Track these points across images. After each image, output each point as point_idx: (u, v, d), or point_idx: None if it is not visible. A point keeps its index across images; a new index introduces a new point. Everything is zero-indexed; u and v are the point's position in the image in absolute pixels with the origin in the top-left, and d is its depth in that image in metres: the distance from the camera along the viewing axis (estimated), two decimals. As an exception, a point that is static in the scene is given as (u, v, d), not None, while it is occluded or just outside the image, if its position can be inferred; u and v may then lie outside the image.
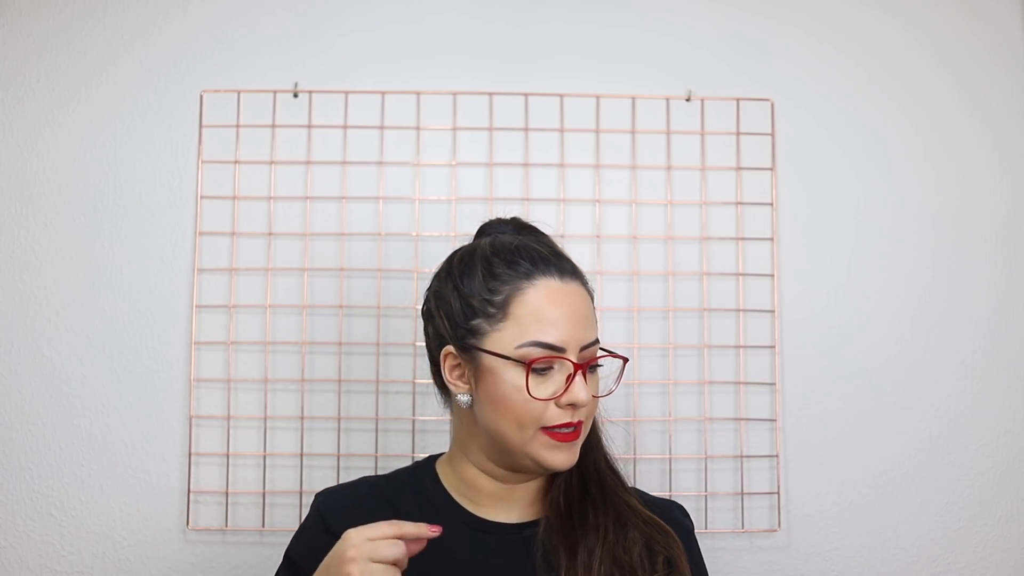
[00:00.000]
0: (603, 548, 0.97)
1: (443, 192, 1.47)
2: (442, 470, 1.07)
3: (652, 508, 1.04)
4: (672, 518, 1.05)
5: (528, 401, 0.95)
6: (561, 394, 0.95)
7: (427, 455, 1.12)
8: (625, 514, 1.01)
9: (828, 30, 1.53)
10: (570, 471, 1.02)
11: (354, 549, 0.86)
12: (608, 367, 1.03)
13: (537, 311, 0.96)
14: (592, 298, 1.02)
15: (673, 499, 1.17)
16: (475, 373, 0.99)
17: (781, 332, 1.47)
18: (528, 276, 0.98)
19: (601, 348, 1.00)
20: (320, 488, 1.40)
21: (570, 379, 0.95)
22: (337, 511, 1.05)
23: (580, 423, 0.97)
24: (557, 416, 0.96)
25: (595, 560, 0.97)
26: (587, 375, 0.97)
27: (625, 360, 1.01)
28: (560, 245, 1.07)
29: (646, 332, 1.45)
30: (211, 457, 1.42)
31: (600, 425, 1.07)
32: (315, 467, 1.42)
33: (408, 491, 1.06)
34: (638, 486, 1.13)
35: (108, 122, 1.47)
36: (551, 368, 0.96)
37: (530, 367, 0.95)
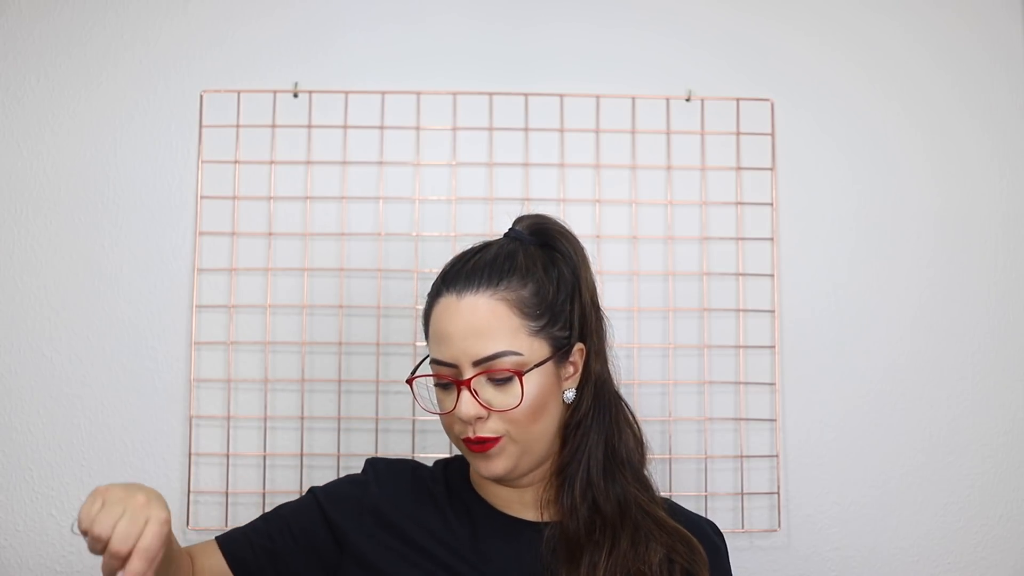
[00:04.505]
0: (610, 561, 0.97)
1: (443, 192, 1.47)
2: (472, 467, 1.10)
3: (681, 522, 1.03)
4: (702, 533, 1.04)
5: (441, 415, 1.01)
6: (452, 409, 0.98)
7: (440, 454, 1.14)
8: (645, 525, 1.00)
9: (828, 30, 1.53)
10: (572, 479, 1.02)
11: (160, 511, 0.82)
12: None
13: (435, 329, 1.01)
14: (539, 302, 0.99)
15: (671, 498, 1.16)
16: None
17: (781, 332, 1.47)
18: (436, 295, 1.02)
19: (512, 353, 0.97)
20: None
21: (458, 393, 0.98)
22: (383, 482, 1.09)
23: (483, 439, 0.98)
24: (460, 429, 0.99)
25: (599, 573, 0.96)
26: (494, 387, 0.97)
27: (519, 375, 0.97)
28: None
29: (646, 332, 1.45)
30: (211, 457, 1.42)
31: (629, 428, 1.06)
32: (315, 467, 1.42)
33: (442, 482, 1.09)
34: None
35: (108, 122, 1.47)
36: (451, 382, 0.99)
37: (411, 382, 1.03)
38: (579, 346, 1.04)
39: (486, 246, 1.05)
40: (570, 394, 1.03)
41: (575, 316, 1.04)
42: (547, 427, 1.01)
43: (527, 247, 1.04)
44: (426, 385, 1.05)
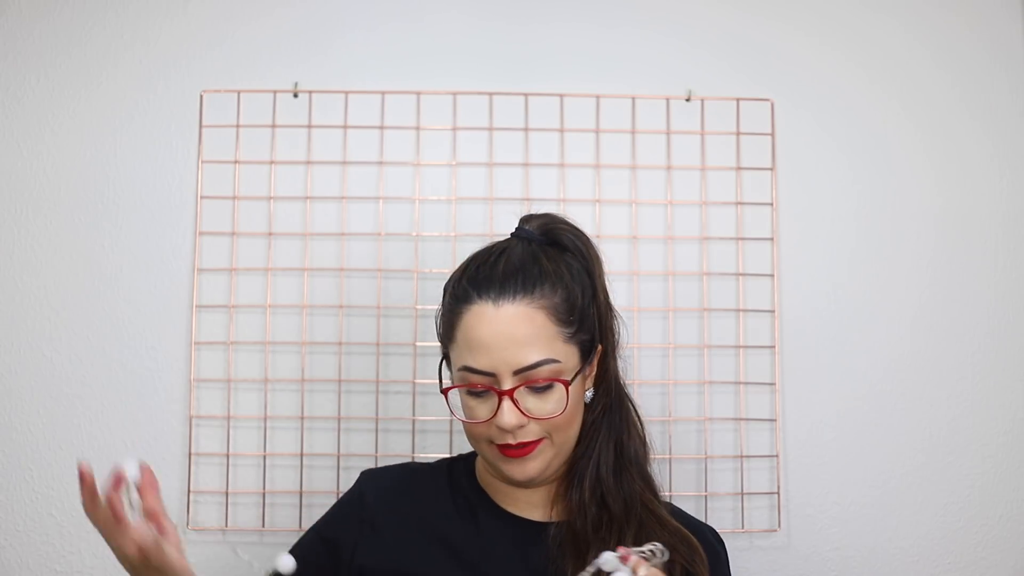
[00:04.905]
0: None
1: (443, 192, 1.47)
2: (479, 465, 1.10)
3: (682, 525, 1.04)
4: (703, 538, 1.05)
5: (470, 422, 1.00)
6: (492, 417, 0.97)
7: (441, 454, 1.16)
8: (649, 524, 1.01)
9: (828, 30, 1.53)
10: (583, 476, 1.03)
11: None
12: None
13: (467, 336, 0.99)
14: (571, 306, 1.00)
15: (671, 498, 1.16)
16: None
17: (781, 332, 1.47)
18: (467, 300, 1.00)
19: (552, 361, 0.97)
20: (320, 487, 1.41)
21: (499, 403, 0.97)
22: (378, 489, 1.09)
23: (529, 441, 0.98)
24: (498, 436, 0.98)
25: None
26: (533, 394, 0.97)
27: (565, 384, 0.98)
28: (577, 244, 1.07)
29: (646, 332, 1.45)
30: (211, 457, 1.42)
31: (635, 428, 1.07)
32: (315, 467, 1.42)
33: (445, 481, 1.09)
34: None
35: (108, 122, 1.47)
36: (487, 391, 0.98)
37: (447, 392, 1.01)
38: (599, 346, 1.05)
39: (504, 249, 1.04)
40: (589, 393, 1.05)
41: (595, 317, 1.04)
42: (578, 428, 1.03)
43: (545, 249, 1.04)
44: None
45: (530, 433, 0.98)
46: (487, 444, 1.00)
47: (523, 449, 0.98)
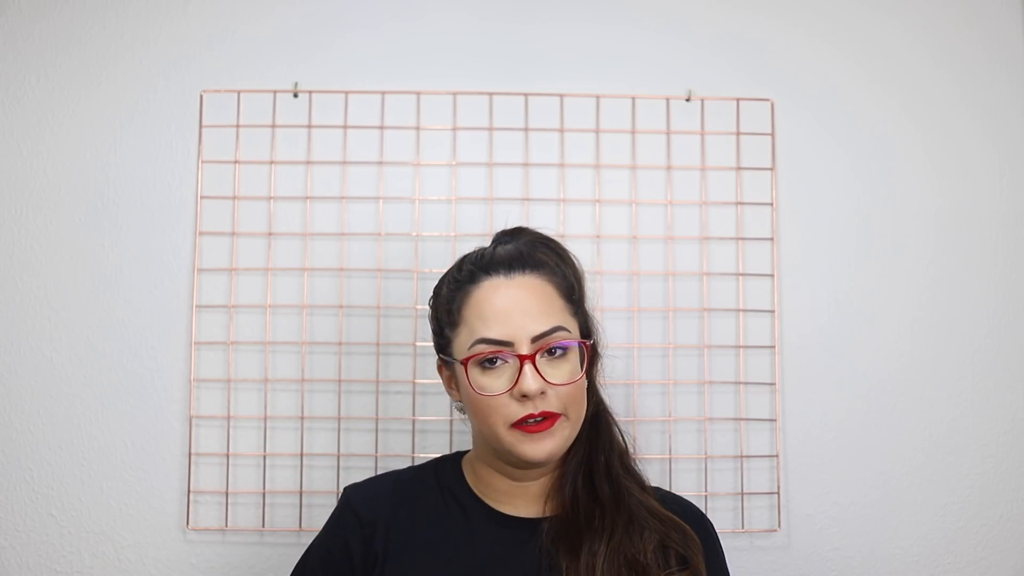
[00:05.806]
0: (608, 548, 0.99)
1: (443, 192, 1.47)
2: (466, 466, 1.11)
3: (673, 509, 1.06)
4: (695, 519, 1.07)
5: (486, 399, 0.99)
6: (512, 386, 0.98)
7: (440, 454, 1.17)
8: (640, 514, 1.03)
9: (828, 30, 1.53)
10: (576, 471, 1.05)
11: None
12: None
13: (479, 310, 1.01)
14: (571, 287, 1.04)
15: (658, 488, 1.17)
16: (455, 379, 1.04)
17: (781, 332, 1.47)
18: (474, 280, 1.02)
19: (564, 329, 1.00)
20: (320, 487, 1.41)
21: (519, 370, 0.97)
22: (367, 500, 1.09)
23: (549, 413, 0.98)
24: (518, 410, 0.98)
25: (599, 560, 0.98)
26: (549, 363, 0.99)
27: (585, 344, 1.02)
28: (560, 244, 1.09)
29: (646, 332, 1.45)
30: (211, 457, 1.42)
31: (615, 426, 1.10)
32: (315, 467, 1.42)
33: (433, 485, 1.10)
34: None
35: (108, 122, 1.47)
36: (503, 363, 0.99)
37: (467, 364, 1.00)
38: (588, 342, 1.07)
39: (496, 246, 1.07)
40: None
41: (583, 314, 1.08)
42: (585, 409, 1.04)
43: (535, 248, 1.07)
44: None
45: (551, 403, 0.98)
46: (503, 426, 0.99)
47: (544, 423, 0.98)
